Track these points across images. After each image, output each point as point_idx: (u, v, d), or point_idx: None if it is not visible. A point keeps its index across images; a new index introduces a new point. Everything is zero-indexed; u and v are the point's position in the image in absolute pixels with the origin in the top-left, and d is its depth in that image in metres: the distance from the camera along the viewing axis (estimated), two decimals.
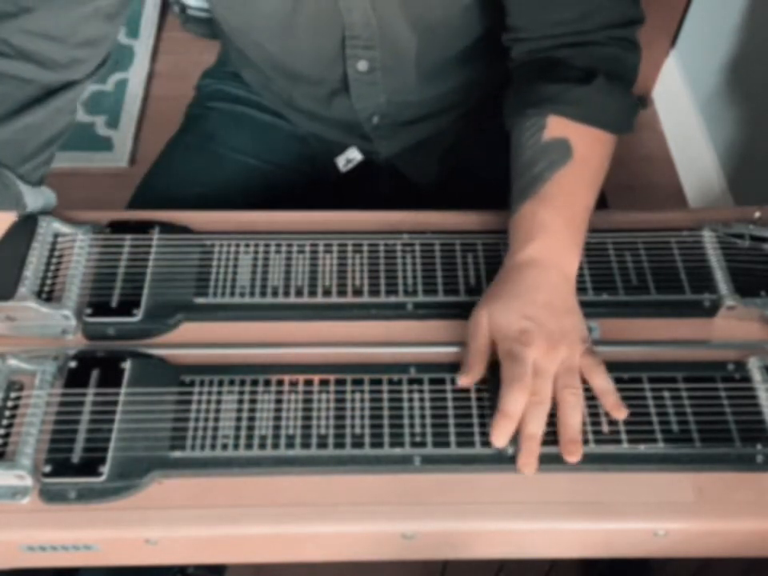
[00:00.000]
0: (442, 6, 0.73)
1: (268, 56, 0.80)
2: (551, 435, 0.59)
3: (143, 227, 0.71)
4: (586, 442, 0.59)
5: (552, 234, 0.64)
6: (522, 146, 0.68)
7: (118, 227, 0.71)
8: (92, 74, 0.70)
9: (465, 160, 0.88)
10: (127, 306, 0.66)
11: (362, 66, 0.77)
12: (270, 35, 0.76)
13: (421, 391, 0.61)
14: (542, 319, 0.61)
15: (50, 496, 0.56)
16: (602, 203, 0.88)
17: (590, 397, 0.61)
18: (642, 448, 0.59)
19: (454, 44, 0.79)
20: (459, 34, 0.78)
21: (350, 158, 0.87)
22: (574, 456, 0.58)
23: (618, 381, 0.62)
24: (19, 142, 0.66)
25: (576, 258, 0.65)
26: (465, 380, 0.61)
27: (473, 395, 0.61)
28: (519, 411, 0.58)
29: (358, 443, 0.59)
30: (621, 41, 0.70)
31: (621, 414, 0.60)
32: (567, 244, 0.65)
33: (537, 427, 0.58)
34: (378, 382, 0.62)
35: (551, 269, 0.63)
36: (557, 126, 0.67)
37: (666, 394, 0.62)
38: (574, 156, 0.66)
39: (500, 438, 0.58)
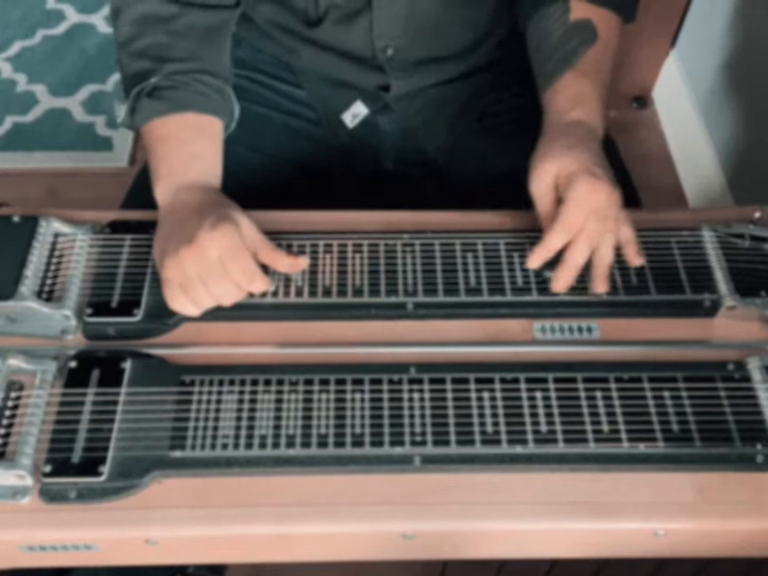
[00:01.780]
0: None
1: None
2: (551, 434, 0.59)
3: (143, 227, 0.71)
4: (586, 441, 0.59)
5: (589, 103, 0.72)
6: (548, 29, 0.76)
7: (118, 227, 0.71)
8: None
9: (468, 139, 0.89)
10: (127, 306, 0.66)
11: None
12: None
13: (421, 391, 0.61)
14: (600, 165, 0.67)
15: (50, 496, 0.56)
16: None
17: (590, 397, 0.61)
18: (641, 448, 0.59)
19: None
20: None
21: (356, 113, 0.87)
22: (603, 286, 0.66)
23: (617, 381, 0.62)
24: (221, 55, 0.77)
25: (603, 125, 0.72)
26: (556, 240, 0.66)
27: (473, 395, 0.61)
28: (581, 224, 0.65)
29: (358, 443, 0.59)
30: None
31: (639, 261, 0.67)
32: (599, 112, 0.72)
33: (582, 258, 0.65)
34: (378, 381, 0.62)
35: (594, 130, 0.71)
36: (580, 9, 0.75)
37: (666, 393, 0.62)
38: (600, 36, 0.74)
39: (561, 278, 0.66)
